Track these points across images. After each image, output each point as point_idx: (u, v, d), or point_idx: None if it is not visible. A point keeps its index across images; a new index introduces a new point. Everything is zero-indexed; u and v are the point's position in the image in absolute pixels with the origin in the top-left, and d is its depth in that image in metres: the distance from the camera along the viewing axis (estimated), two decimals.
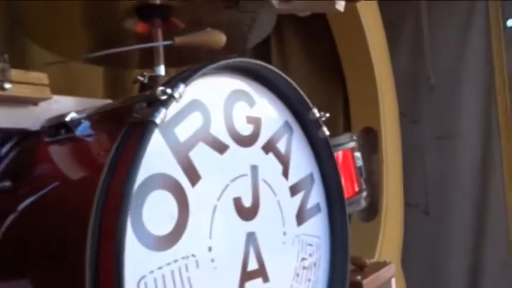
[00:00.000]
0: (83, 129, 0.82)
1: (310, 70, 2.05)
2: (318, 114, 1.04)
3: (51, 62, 0.98)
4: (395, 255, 1.98)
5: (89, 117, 0.81)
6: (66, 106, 0.95)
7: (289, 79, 0.98)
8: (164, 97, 0.68)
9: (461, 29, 2.55)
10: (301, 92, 1.00)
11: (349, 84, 2.05)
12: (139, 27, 1.02)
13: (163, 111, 0.67)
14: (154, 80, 0.97)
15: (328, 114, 1.07)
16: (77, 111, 0.83)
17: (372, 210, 1.98)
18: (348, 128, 2.09)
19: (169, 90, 0.68)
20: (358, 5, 1.85)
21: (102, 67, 1.50)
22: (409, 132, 2.62)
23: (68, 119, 0.80)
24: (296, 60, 2.03)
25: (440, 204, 2.65)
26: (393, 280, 1.46)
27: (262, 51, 1.95)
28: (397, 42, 2.61)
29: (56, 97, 0.94)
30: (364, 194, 1.41)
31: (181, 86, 0.71)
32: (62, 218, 0.73)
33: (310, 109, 1.03)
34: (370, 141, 2.05)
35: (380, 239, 1.86)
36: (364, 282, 1.27)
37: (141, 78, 0.83)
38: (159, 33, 1.01)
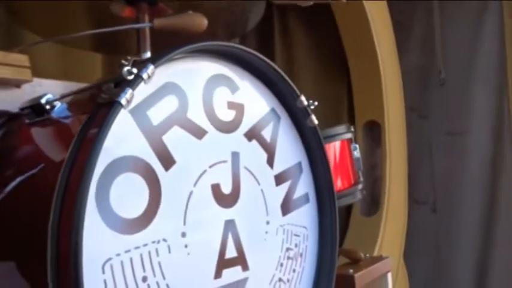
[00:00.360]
0: (60, 111, 0.82)
1: (314, 62, 2.03)
2: (305, 102, 1.02)
3: (30, 43, 0.98)
4: (396, 251, 1.95)
5: (65, 100, 0.80)
6: (50, 89, 0.95)
7: (274, 65, 0.96)
8: (130, 77, 0.66)
9: (474, 27, 2.50)
10: (288, 79, 0.99)
11: (353, 77, 2.02)
12: (127, 11, 1.01)
13: (129, 91, 0.66)
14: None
15: (316, 103, 1.05)
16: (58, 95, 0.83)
17: (374, 205, 1.95)
18: (352, 121, 2.06)
19: (135, 70, 0.67)
20: None
21: (100, 54, 1.49)
22: (417, 127, 2.58)
23: (43, 101, 0.79)
24: (300, 52, 2.01)
25: (448, 202, 2.61)
26: (389, 275, 1.43)
27: (265, 43, 1.93)
28: (408, 37, 2.58)
29: (39, 80, 0.93)
30: (360, 186, 1.39)
31: (151, 67, 0.69)
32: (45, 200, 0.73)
33: (298, 96, 1.01)
34: (374, 135, 2.02)
35: (381, 234, 1.83)
36: (357, 275, 1.25)
37: (125, 63, 0.82)
38: (146, 18, 1.00)
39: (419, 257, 2.55)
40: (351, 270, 1.26)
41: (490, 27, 2.45)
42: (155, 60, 0.71)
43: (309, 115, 1.03)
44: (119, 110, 0.65)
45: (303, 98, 1.01)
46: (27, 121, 0.87)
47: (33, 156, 0.84)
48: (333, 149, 1.36)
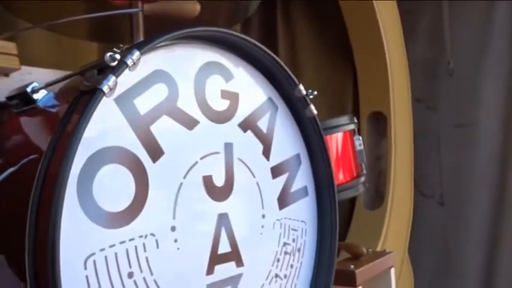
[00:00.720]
0: (47, 100, 0.79)
1: (318, 52, 1.98)
2: (304, 92, 0.98)
3: (18, 29, 0.95)
4: (401, 245, 1.91)
5: (52, 88, 0.77)
6: (40, 78, 0.92)
7: (271, 53, 0.92)
8: (113, 63, 0.63)
9: (483, 16, 2.45)
10: (286, 67, 0.95)
11: (359, 67, 1.98)
12: None
13: (112, 79, 0.63)
14: None
15: (316, 92, 1.01)
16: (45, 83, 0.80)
17: (379, 198, 1.91)
18: (357, 112, 2.02)
19: (118, 56, 0.63)
20: None
21: (96, 43, 1.46)
22: (425, 119, 2.52)
23: (28, 89, 0.76)
24: (304, 41, 1.97)
25: (456, 195, 2.56)
26: (392, 270, 1.39)
27: (268, 32, 1.89)
28: (416, 27, 2.52)
29: (28, 68, 0.91)
30: (363, 179, 1.35)
31: (136, 53, 0.66)
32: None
33: (296, 85, 0.97)
34: (379, 127, 1.98)
35: (385, 228, 1.79)
36: (358, 271, 1.21)
37: (117, 51, 0.79)
38: (139, 5, 0.97)
39: (426, 251, 2.51)
40: (352, 266, 1.23)
41: (500, 17, 2.39)
42: (141, 46, 0.67)
43: (307, 105, 1.00)
44: (100, 98, 0.62)
45: (301, 87, 0.98)
46: (14, 111, 0.84)
47: (24, 147, 0.81)
48: (335, 141, 1.32)
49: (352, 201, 1.94)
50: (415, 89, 2.38)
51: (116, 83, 0.63)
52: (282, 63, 0.94)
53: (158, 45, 0.71)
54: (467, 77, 2.44)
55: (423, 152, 2.49)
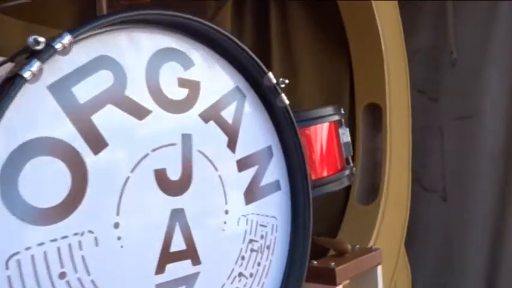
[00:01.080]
0: None
1: (313, 42, 1.91)
2: (274, 80, 0.93)
3: None
4: (396, 241, 1.84)
5: None
6: None
7: (235, 39, 0.87)
8: (38, 47, 0.58)
9: (487, 5, 2.36)
10: (253, 55, 0.89)
11: (354, 56, 1.91)
12: None
13: (36, 64, 0.58)
14: None
15: (287, 81, 0.95)
16: None
17: (373, 193, 1.85)
18: (354, 104, 1.95)
19: (42, 39, 0.58)
20: None
21: None
22: (427, 111, 2.44)
23: None
24: (298, 31, 1.90)
25: (459, 190, 2.47)
26: (379, 268, 1.33)
27: (260, 20, 1.83)
28: (418, 15, 2.43)
29: None
30: (347, 172, 1.29)
31: (67, 37, 0.61)
32: None
33: (265, 74, 0.92)
34: (375, 119, 1.91)
35: (378, 223, 1.73)
36: (338, 269, 1.16)
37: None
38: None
39: (427, 248, 2.44)
40: (333, 263, 1.17)
41: (505, 4, 2.29)
42: (74, 29, 0.62)
43: (278, 94, 0.94)
44: (20, 85, 0.57)
45: (271, 75, 0.92)
46: None
47: None
48: (318, 132, 1.26)
49: (346, 195, 1.88)
50: (416, 79, 2.29)
51: (42, 68, 0.59)
52: (249, 51, 0.89)
53: (102, 29, 0.66)
54: (470, 67, 2.35)
55: (425, 146, 2.41)
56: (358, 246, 1.38)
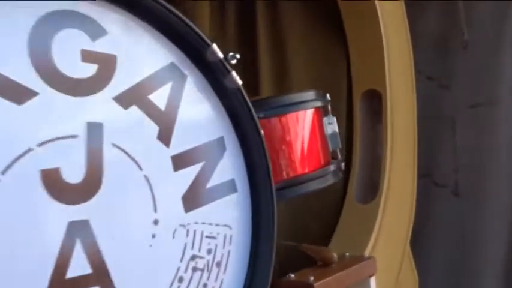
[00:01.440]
0: None
1: (307, 24, 1.72)
2: (220, 55, 0.74)
3: None
4: (399, 243, 1.65)
5: None
6: None
7: (168, 5, 0.68)
8: None
9: None
10: (188, 21, 0.70)
11: (350, 38, 1.71)
12: None
13: None
14: None
15: (238, 56, 0.76)
16: None
17: (373, 190, 1.66)
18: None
19: None
20: None
21: None
22: (437, 99, 2.26)
23: None
24: (290, 14, 1.70)
25: (472, 184, 2.30)
26: (372, 279, 1.14)
27: (247, 2, 1.64)
28: None
29: None
30: (333, 167, 1.09)
31: None
32: None
33: (208, 46, 0.73)
34: (375, 107, 1.71)
35: (377, 223, 1.54)
36: (317, 284, 0.97)
37: None
38: None
39: (438, 248, 2.27)
40: (312, 278, 0.98)
41: None
42: None
43: (228, 72, 0.75)
44: None
45: (215, 47, 0.73)
46: None
47: None
48: (297, 121, 1.07)
49: (343, 194, 1.69)
50: (425, 65, 2.11)
51: None
52: (183, 16, 0.70)
53: None
54: (484, 50, 2.16)
55: (435, 137, 2.23)
56: (347, 254, 1.19)
